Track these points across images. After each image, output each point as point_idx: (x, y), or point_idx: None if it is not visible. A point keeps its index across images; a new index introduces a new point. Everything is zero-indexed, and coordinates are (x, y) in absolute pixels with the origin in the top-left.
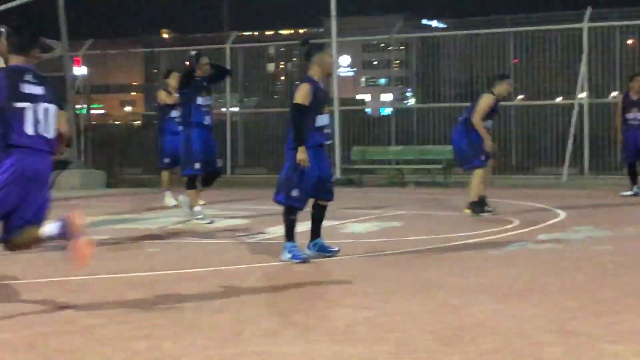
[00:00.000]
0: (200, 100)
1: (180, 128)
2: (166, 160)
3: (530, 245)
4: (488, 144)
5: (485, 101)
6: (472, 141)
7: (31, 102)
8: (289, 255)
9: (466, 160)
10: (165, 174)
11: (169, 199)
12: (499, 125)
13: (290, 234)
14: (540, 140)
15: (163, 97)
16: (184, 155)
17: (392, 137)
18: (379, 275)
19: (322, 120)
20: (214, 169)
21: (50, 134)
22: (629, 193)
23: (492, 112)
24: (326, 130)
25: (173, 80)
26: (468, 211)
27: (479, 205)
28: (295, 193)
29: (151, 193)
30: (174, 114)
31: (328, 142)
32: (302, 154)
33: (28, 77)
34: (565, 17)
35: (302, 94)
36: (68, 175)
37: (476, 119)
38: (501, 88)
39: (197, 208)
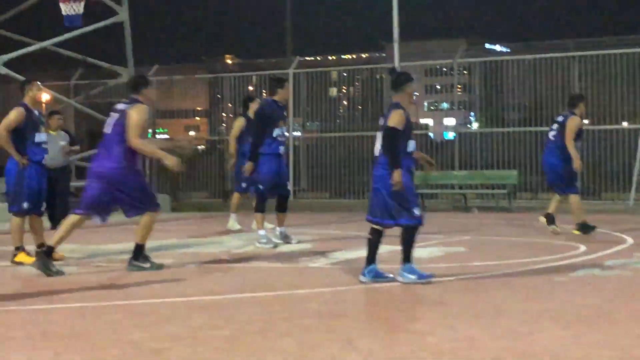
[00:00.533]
0: (275, 132)
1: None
2: (243, 185)
3: (597, 271)
4: (578, 164)
5: (574, 122)
6: (567, 165)
7: None
8: (413, 277)
9: (563, 186)
10: (236, 197)
11: (234, 223)
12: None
13: (410, 255)
14: (607, 165)
15: (238, 124)
16: (253, 178)
17: (456, 162)
18: (443, 301)
19: (412, 145)
20: (285, 191)
21: None
22: None
23: (580, 133)
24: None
25: (256, 105)
26: (577, 232)
27: (586, 226)
28: (418, 211)
29: (216, 217)
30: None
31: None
32: (398, 177)
33: None
34: (630, 40)
35: (396, 119)
36: None
37: (568, 140)
38: (582, 108)
39: (261, 232)
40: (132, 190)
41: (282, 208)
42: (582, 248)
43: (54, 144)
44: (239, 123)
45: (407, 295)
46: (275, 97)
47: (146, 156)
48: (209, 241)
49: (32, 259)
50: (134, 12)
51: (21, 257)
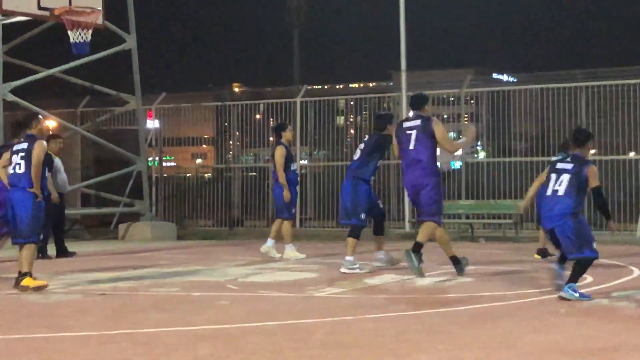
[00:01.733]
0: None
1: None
2: (293, 211)
3: (604, 302)
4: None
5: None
6: None
7: None
8: (577, 294)
9: None
10: (288, 225)
11: (294, 252)
12: None
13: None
14: (613, 196)
15: (282, 153)
16: (351, 205)
17: (462, 191)
18: (450, 331)
19: None
20: (380, 211)
21: None
22: None
23: None
24: None
25: (289, 134)
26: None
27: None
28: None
29: (221, 245)
30: (294, 166)
31: None
32: None
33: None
34: (637, 71)
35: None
36: (139, 227)
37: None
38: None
39: (349, 258)
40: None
41: (378, 231)
42: (589, 279)
43: (62, 169)
44: (282, 152)
45: (414, 325)
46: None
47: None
48: (215, 270)
49: (40, 282)
50: (141, 40)
51: (28, 281)
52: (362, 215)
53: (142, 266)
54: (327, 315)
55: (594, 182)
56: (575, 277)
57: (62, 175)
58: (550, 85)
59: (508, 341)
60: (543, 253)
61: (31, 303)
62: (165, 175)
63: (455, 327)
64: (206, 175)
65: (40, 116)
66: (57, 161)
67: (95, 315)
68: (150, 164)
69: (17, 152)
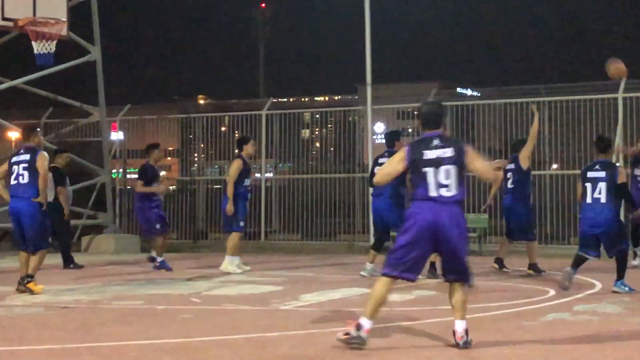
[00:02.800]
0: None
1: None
2: (242, 224)
3: (567, 316)
4: None
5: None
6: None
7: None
8: (627, 288)
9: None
10: (236, 237)
11: (234, 265)
12: (533, 194)
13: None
14: (576, 210)
15: (237, 166)
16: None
17: None
18: (415, 345)
19: None
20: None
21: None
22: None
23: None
24: None
25: (250, 148)
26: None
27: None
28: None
29: (186, 258)
30: (247, 182)
31: None
32: None
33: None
34: (600, 87)
35: None
36: (102, 240)
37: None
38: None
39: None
40: None
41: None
42: (552, 292)
43: (67, 183)
44: (237, 165)
45: (379, 339)
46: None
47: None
48: (179, 283)
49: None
50: (106, 51)
51: (32, 285)
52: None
53: (105, 279)
54: (292, 329)
55: (621, 179)
56: (622, 273)
57: (68, 189)
58: (514, 100)
59: (471, 355)
60: (500, 263)
61: None
62: (129, 187)
63: (420, 341)
64: (170, 187)
65: (38, 129)
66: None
67: (57, 329)
68: (114, 176)
69: (17, 163)
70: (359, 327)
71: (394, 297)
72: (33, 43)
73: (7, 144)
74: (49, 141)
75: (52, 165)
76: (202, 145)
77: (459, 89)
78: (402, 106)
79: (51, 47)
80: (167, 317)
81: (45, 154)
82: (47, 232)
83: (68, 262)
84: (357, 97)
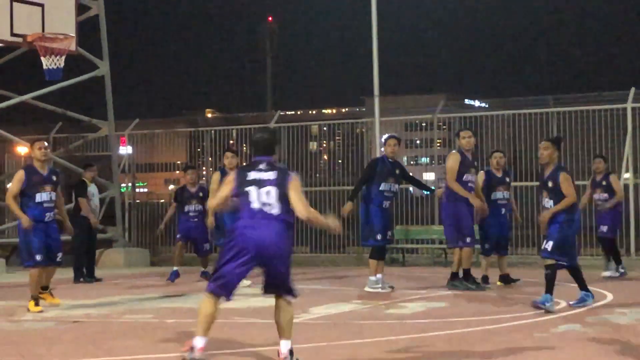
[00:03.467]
0: (383, 186)
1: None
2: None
3: (578, 327)
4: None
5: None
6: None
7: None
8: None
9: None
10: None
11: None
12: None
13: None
14: (586, 221)
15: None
16: (366, 228)
17: (436, 216)
18: (424, 357)
19: None
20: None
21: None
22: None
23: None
24: None
25: (226, 160)
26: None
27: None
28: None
29: (195, 271)
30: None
31: None
32: None
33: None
34: (609, 97)
35: None
36: (112, 253)
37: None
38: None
39: (378, 276)
40: None
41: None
42: (563, 303)
43: (96, 196)
44: (216, 177)
45: (389, 351)
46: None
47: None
48: (188, 296)
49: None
50: (115, 66)
51: (30, 304)
52: (378, 236)
53: (115, 293)
54: (301, 342)
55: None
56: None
57: (94, 201)
58: (522, 111)
59: None
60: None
61: (3, 331)
62: (138, 201)
63: (431, 353)
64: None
65: (36, 142)
66: (91, 188)
67: (67, 343)
68: (123, 190)
69: None
70: (192, 348)
71: (404, 309)
72: (42, 58)
73: (18, 159)
74: (59, 156)
75: (81, 178)
76: (210, 159)
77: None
78: (410, 118)
79: (60, 62)
80: (177, 330)
81: (19, 172)
82: (27, 250)
83: (77, 277)
84: (364, 109)
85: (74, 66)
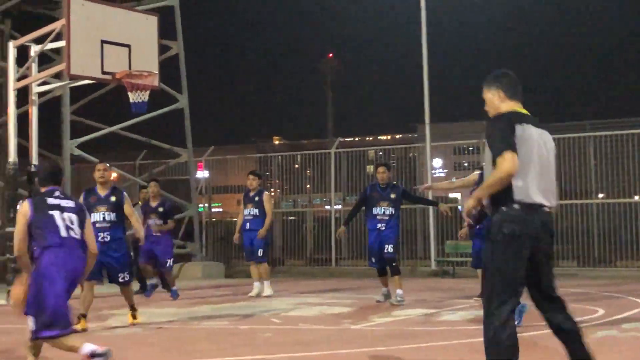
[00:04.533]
0: (375, 210)
1: None
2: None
3: (615, 333)
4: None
5: None
6: None
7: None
8: None
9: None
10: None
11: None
12: (581, 221)
13: None
14: (621, 236)
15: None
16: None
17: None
18: None
19: None
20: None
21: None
22: None
23: None
24: None
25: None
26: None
27: None
28: None
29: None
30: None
31: None
32: None
33: (56, 193)
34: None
35: None
36: (191, 267)
37: None
38: None
39: (399, 291)
40: None
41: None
42: (601, 311)
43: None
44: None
45: (442, 355)
46: None
47: None
48: (260, 305)
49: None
50: (193, 99)
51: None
52: (372, 259)
53: (194, 302)
54: (362, 346)
55: None
56: None
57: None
58: (560, 136)
59: None
60: None
61: (96, 335)
62: (213, 219)
63: (478, 358)
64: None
65: (97, 164)
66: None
67: (152, 347)
68: (200, 210)
69: None
70: (93, 355)
71: (455, 317)
72: (129, 93)
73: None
74: (144, 180)
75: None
76: (277, 181)
77: None
78: (459, 143)
79: (144, 96)
80: (249, 335)
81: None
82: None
83: (144, 287)
84: (416, 135)
85: (157, 100)
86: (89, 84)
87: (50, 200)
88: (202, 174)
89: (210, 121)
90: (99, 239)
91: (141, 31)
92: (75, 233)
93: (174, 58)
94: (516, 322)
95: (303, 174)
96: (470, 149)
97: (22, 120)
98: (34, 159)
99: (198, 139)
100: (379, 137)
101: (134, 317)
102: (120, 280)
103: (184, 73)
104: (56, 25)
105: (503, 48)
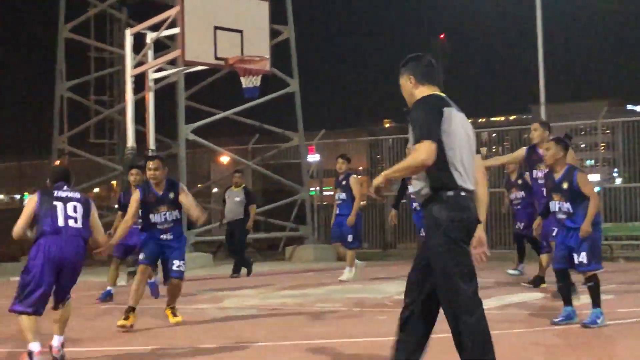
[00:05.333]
0: (336, 196)
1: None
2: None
3: None
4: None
5: None
6: None
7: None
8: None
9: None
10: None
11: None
12: None
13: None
14: None
15: None
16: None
17: (602, 214)
18: (592, 345)
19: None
20: None
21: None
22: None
23: None
24: None
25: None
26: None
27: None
28: None
29: (378, 265)
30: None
31: None
32: None
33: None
34: None
35: None
36: (303, 249)
37: None
38: None
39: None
40: None
41: None
42: None
43: (233, 199)
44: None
45: (556, 339)
46: None
47: None
48: (372, 288)
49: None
50: (303, 83)
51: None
52: None
53: (307, 284)
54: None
55: None
56: None
57: (229, 203)
58: None
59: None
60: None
61: (212, 318)
62: (325, 203)
63: (597, 341)
64: (362, 202)
65: (150, 162)
66: (230, 192)
67: (267, 328)
68: (312, 194)
69: None
70: (30, 355)
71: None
72: (241, 78)
73: (222, 167)
74: (256, 163)
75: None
76: (388, 164)
77: (628, 106)
78: (574, 123)
79: (256, 81)
80: (362, 318)
81: (137, 191)
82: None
83: (236, 271)
84: (530, 116)
85: (268, 84)
86: (202, 70)
87: (57, 193)
88: (313, 157)
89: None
90: (162, 237)
91: (253, 17)
92: (76, 222)
93: (285, 43)
94: None
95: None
96: (588, 129)
97: (139, 107)
98: (151, 144)
99: (309, 123)
100: (492, 119)
101: (174, 314)
102: (175, 268)
103: (295, 57)
104: (171, 13)
105: (620, 25)
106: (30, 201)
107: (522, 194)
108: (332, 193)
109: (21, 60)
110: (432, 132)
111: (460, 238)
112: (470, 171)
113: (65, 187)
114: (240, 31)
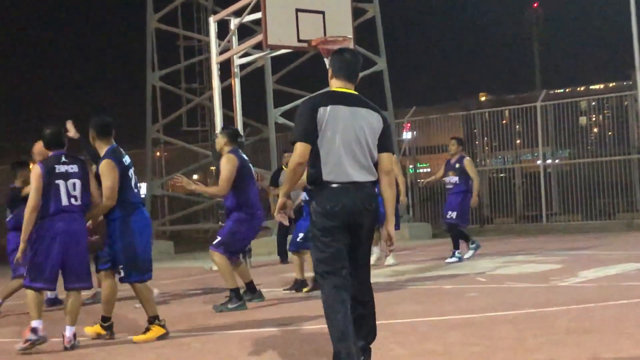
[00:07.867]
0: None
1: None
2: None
3: None
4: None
5: None
6: None
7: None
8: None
9: None
10: None
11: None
12: None
13: None
14: None
15: None
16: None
17: None
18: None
19: None
20: None
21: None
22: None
23: None
24: None
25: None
26: None
27: None
28: None
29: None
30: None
31: None
32: None
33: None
34: None
35: None
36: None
37: None
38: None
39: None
40: None
41: None
42: None
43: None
44: None
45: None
46: None
47: None
48: (465, 264)
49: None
50: (391, 60)
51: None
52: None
53: (399, 262)
54: (570, 304)
55: None
56: None
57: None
58: None
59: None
60: None
61: (278, 298)
62: (419, 180)
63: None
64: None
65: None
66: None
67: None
68: (409, 172)
69: None
70: (35, 330)
71: (589, 274)
72: (325, 60)
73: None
74: None
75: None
76: (485, 139)
77: None
78: None
79: None
80: (454, 295)
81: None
82: None
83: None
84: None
85: None
86: (289, 53)
87: (58, 168)
88: (406, 135)
89: (411, 81)
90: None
91: None
92: (77, 199)
93: (371, 21)
94: None
95: (510, 130)
96: None
97: (228, 93)
98: (239, 129)
99: (399, 101)
100: (591, 87)
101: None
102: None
103: (381, 35)
104: None
105: None
106: (36, 176)
107: (456, 179)
108: (428, 170)
109: (113, 51)
110: (303, 132)
111: (324, 227)
112: (357, 164)
113: (63, 158)
114: (322, 12)
